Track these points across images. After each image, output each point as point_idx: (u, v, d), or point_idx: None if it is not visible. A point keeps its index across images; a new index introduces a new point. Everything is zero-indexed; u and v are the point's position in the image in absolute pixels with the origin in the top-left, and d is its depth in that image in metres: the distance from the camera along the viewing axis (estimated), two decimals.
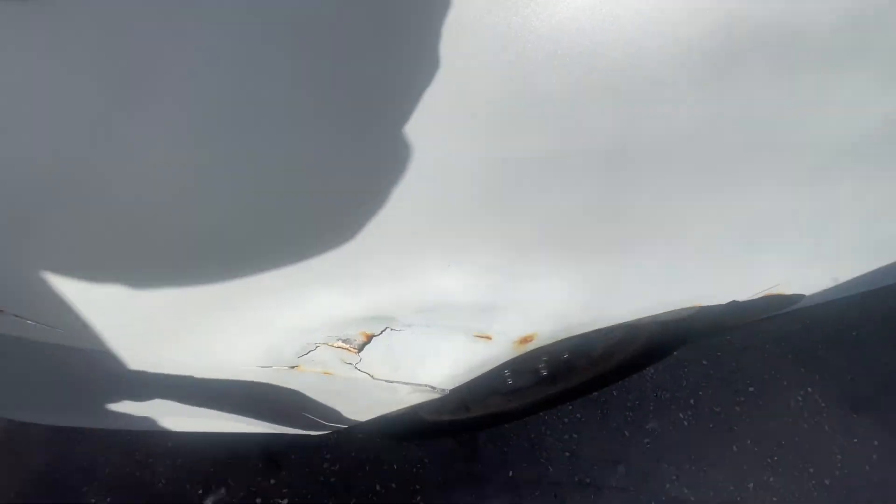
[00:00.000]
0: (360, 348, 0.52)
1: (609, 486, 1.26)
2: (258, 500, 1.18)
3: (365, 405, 0.63)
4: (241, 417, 0.76)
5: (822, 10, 0.35)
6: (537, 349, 0.58)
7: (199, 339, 0.46)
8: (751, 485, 1.28)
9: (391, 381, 0.54)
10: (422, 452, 1.29)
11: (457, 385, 0.57)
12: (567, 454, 1.30)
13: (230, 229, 0.38)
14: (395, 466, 1.26)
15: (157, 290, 0.40)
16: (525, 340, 0.53)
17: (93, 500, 1.19)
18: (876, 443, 1.33)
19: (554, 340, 0.55)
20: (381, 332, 0.50)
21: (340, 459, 1.24)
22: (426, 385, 0.55)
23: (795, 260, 0.58)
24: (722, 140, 0.40)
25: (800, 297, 0.68)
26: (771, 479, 1.29)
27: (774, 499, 1.26)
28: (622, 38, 0.33)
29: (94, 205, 0.34)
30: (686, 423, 1.36)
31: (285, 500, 1.18)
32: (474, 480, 1.28)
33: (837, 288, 0.73)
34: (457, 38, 0.31)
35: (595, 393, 1.39)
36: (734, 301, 0.57)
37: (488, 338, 0.51)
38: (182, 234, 0.37)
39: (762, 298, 0.62)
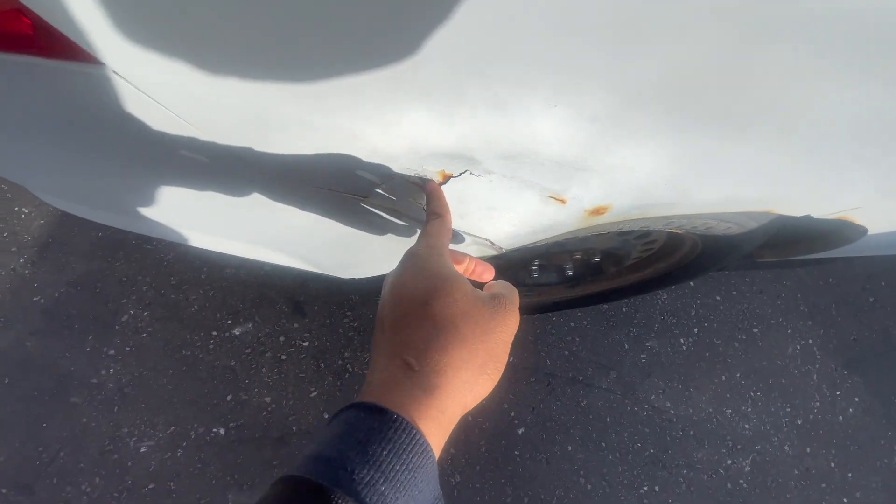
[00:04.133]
0: None
1: (599, 387, 1.36)
2: (282, 339, 1.29)
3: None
4: (280, 247, 0.78)
5: None
6: (596, 226, 0.58)
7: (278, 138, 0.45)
8: (728, 411, 1.38)
9: (456, 231, 0.55)
10: None
11: (515, 247, 0.59)
12: (566, 353, 1.39)
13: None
14: None
15: (235, 74, 0.38)
16: (597, 212, 0.53)
17: (131, 311, 1.30)
18: (857, 399, 1.41)
19: (624, 219, 0.55)
20: (460, 175, 0.50)
21: (360, 318, 1.32)
22: (487, 240, 0.57)
23: (882, 183, 0.56)
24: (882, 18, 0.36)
25: (864, 231, 0.67)
26: (749, 410, 1.38)
27: (747, 426, 1.37)
28: None
29: None
30: (685, 347, 1.42)
31: (306, 343, 1.29)
32: None
33: None
34: None
35: (606, 305, 1.45)
36: (809, 216, 0.56)
37: (562, 201, 0.51)
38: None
39: (832, 221, 0.60)
